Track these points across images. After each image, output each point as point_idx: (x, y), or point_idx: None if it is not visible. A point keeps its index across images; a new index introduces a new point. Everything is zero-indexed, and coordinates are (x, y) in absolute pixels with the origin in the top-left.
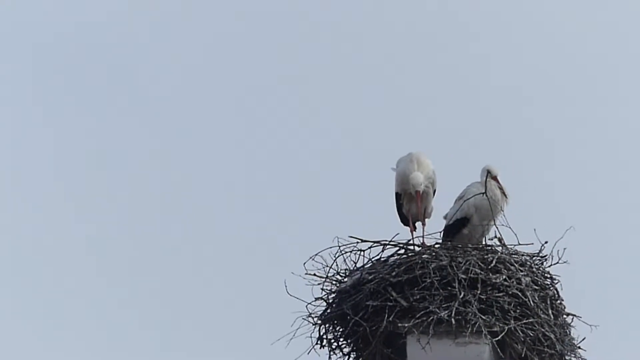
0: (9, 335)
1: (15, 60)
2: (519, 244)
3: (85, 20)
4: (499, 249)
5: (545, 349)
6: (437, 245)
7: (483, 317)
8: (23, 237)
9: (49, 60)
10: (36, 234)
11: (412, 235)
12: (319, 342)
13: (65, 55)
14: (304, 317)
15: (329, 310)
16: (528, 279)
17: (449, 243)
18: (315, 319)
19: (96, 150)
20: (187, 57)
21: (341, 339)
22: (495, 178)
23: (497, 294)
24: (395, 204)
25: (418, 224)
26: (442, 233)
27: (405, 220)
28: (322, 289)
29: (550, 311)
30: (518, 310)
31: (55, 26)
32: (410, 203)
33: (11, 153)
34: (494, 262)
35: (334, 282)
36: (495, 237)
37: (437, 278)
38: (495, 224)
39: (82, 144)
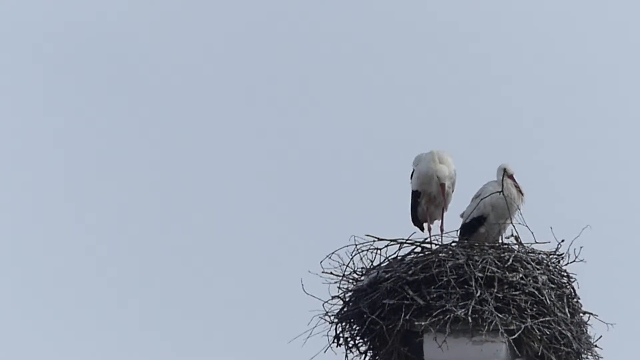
0: (9, 335)
1: (16, 60)
2: (536, 243)
3: (88, 20)
4: (516, 247)
5: (562, 348)
6: (453, 244)
7: (500, 315)
8: (23, 237)
9: (50, 60)
10: (36, 233)
11: (430, 234)
12: (335, 340)
13: (66, 55)
14: (320, 315)
15: (345, 309)
16: (545, 277)
17: (466, 241)
18: (332, 318)
19: (97, 150)
20: (189, 57)
21: (358, 338)
22: (511, 177)
23: (513, 293)
24: (411, 203)
25: (431, 225)
26: (458, 231)
27: (417, 221)
28: (339, 288)
29: (566, 309)
30: (535, 309)
31: (57, 26)
32: (429, 203)
33: (12, 152)
34: (510, 260)
35: (350, 281)
36: (512, 235)
37: (453, 276)
38: (511, 223)
39: (83, 144)
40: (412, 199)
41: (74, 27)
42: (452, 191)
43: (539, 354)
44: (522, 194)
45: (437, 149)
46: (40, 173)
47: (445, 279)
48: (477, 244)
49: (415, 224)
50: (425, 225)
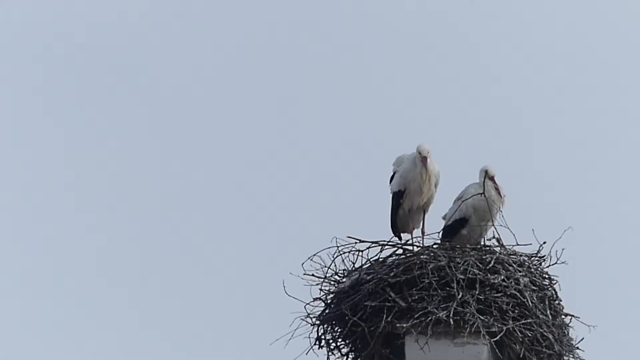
0: (9, 335)
1: (17, 60)
2: (517, 245)
3: (94, 21)
4: (497, 249)
5: (544, 349)
6: (435, 246)
7: (481, 317)
8: (23, 237)
9: (50, 60)
10: (37, 233)
11: (412, 236)
12: (317, 342)
13: (66, 55)
14: (302, 317)
15: (327, 311)
16: (526, 279)
17: (448, 243)
18: (314, 320)
19: (99, 150)
20: (188, 57)
21: (339, 340)
22: (492, 178)
23: (495, 295)
24: (391, 206)
25: (412, 229)
26: (440, 233)
27: (395, 227)
28: (321, 290)
29: (548, 311)
30: (516, 311)
31: (64, 26)
32: (412, 206)
33: (16, 152)
34: (492, 262)
35: (332, 283)
36: (494, 237)
37: (435, 278)
38: (493, 225)
39: (86, 144)
40: (392, 201)
41: (74, 27)
42: (435, 191)
43: (521, 356)
44: (502, 196)
45: None
46: (42, 172)
47: (427, 281)
48: (458, 246)
49: (393, 231)
50: (403, 234)
